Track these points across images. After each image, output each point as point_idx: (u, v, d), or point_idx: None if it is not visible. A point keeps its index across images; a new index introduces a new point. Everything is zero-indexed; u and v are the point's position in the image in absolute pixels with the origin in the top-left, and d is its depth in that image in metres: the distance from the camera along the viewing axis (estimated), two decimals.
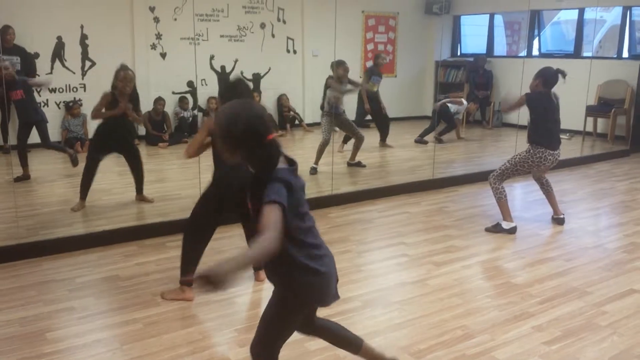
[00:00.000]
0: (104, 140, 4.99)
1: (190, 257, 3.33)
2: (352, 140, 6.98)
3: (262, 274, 3.58)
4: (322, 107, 6.70)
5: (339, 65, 6.61)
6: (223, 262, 1.61)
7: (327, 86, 6.73)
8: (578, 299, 3.43)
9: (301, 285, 2.02)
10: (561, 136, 4.89)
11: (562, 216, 4.96)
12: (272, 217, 1.77)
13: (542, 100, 4.60)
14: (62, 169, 6.27)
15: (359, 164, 6.89)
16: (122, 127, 5.00)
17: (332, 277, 2.09)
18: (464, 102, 8.89)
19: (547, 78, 4.58)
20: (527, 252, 4.32)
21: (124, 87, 4.81)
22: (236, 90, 3.23)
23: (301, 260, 1.97)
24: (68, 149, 6.14)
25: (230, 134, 1.87)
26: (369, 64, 9.62)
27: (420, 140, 8.62)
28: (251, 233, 3.51)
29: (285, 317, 2.08)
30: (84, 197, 5.03)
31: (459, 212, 5.31)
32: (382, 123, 8.28)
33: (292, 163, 1.98)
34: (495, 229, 4.69)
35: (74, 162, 5.94)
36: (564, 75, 4.58)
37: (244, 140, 1.86)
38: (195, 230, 3.35)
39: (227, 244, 4.13)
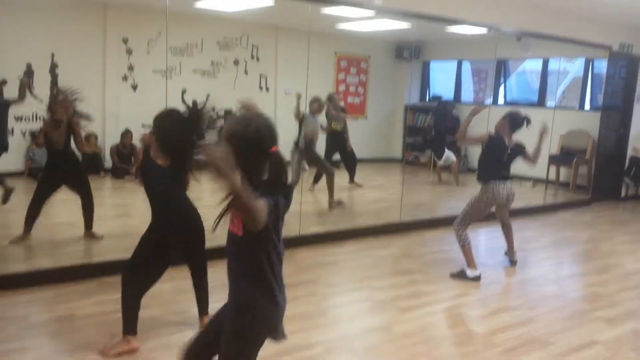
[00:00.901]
0: (53, 173, 4.93)
1: (131, 306, 3.16)
2: (323, 182, 7.02)
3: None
4: (296, 144, 6.73)
5: (314, 101, 6.76)
6: (229, 167, 1.68)
7: (301, 121, 6.78)
8: (540, 349, 3.45)
9: (260, 307, 1.99)
10: (524, 183, 5.02)
11: (515, 259, 5.14)
12: (263, 202, 1.80)
13: (501, 145, 4.74)
14: (25, 200, 6.08)
15: (339, 203, 6.89)
16: (71, 160, 4.98)
17: (283, 314, 2.08)
18: (451, 155, 9.16)
19: (515, 120, 4.76)
20: (490, 299, 4.35)
21: (59, 110, 4.82)
22: (170, 119, 3.17)
23: (269, 279, 1.97)
24: (7, 185, 5.91)
25: (239, 138, 1.91)
26: (341, 104, 9.72)
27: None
28: (196, 268, 3.41)
29: (245, 352, 2.03)
30: (29, 229, 4.88)
31: (425, 257, 5.34)
32: (349, 162, 8.32)
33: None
34: (460, 275, 4.72)
35: (4, 200, 5.77)
36: (529, 122, 4.76)
37: (250, 146, 1.90)
38: (133, 279, 3.17)
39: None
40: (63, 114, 4.84)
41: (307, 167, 6.97)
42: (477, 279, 4.66)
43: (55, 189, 4.99)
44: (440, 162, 9.30)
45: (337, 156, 8.19)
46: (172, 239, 3.20)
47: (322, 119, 7.32)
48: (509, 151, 4.74)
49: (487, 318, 3.94)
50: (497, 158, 4.75)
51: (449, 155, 9.17)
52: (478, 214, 4.83)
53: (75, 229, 5.25)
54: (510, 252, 5.17)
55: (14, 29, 7.57)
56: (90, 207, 5.08)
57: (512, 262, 5.15)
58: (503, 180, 4.74)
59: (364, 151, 9.62)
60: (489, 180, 4.73)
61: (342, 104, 8.18)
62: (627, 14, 7.30)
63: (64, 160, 4.94)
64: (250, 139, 1.90)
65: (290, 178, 2.07)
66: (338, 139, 7.89)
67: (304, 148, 6.58)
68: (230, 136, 1.93)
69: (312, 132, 6.67)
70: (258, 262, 1.95)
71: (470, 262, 4.71)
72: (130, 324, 3.14)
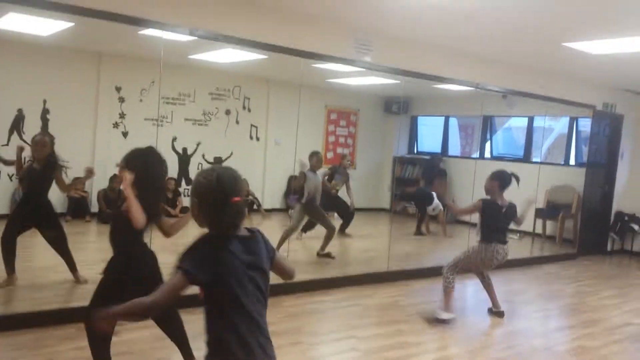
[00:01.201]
0: (23, 213, 4.82)
1: (102, 350, 3.13)
2: (312, 229, 7.02)
3: None
4: (286, 195, 6.76)
5: (313, 155, 6.85)
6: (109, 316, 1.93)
7: (294, 178, 6.84)
8: None
9: None
10: (511, 236, 5.14)
11: (502, 310, 5.13)
12: (167, 283, 1.88)
13: (495, 207, 4.85)
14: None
15: (329, 255, 6.86)
16: (43, 204, 4.82)
17: None
18: (439, 204, 9.24)
19: (503, 180, 4.88)
20: (478, 351, 4.30)
21: (35, 151, 4.73)
22: (147, 159, 3.18)
23: (234, 351, 1.85)
24: None
25: (202, 186, 1.95)
26: (330, 154, 9.90)
27: (420, 233, 9.36)
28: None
29: None
30: (11, 270, 4.74)
31: (411, 307, 5.29)
32: (347, 215, 8.39)
33: (248, 233, 2.00)
34: (437, 320, 4.72)
35: None
36: (517, 180, 4.89)
37: (212, 194, 1.92)
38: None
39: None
40: (39, 155, 4.72)
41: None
42: (448, 322, 4.67)
43: (25, 229, 4.84)
44: (429, 209, 9.30)
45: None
46: (128, 278, 3.11)
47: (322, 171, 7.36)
48: (504, 211, 4.84)
49: None
50: (494, 219, 4.86)
51: (437, 204, 9.23)
52: (470, 265, 4.91)
53: (56, 273, 5.17)
54: (495, 305, 5.16)
55: (6, 74, 7.64)
56: (66, 251, 4.95)
57: (500, 314, 5.12)
58: (503, 244, 4.86)
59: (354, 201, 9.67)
60: (491, 242, 4.83)
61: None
62: (609, 76, 7.55)
63: (38, 205, 4.80)
64: (213, 188, 1.94)
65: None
66: (336, 199, 7.96)
67: (307, 204, 6.62)
68: (195, 187, 1.98)
69: (315, 187, 6.71)
70: (220, 328, 1.87)
71: (447, 305, 4.76)
72: None
